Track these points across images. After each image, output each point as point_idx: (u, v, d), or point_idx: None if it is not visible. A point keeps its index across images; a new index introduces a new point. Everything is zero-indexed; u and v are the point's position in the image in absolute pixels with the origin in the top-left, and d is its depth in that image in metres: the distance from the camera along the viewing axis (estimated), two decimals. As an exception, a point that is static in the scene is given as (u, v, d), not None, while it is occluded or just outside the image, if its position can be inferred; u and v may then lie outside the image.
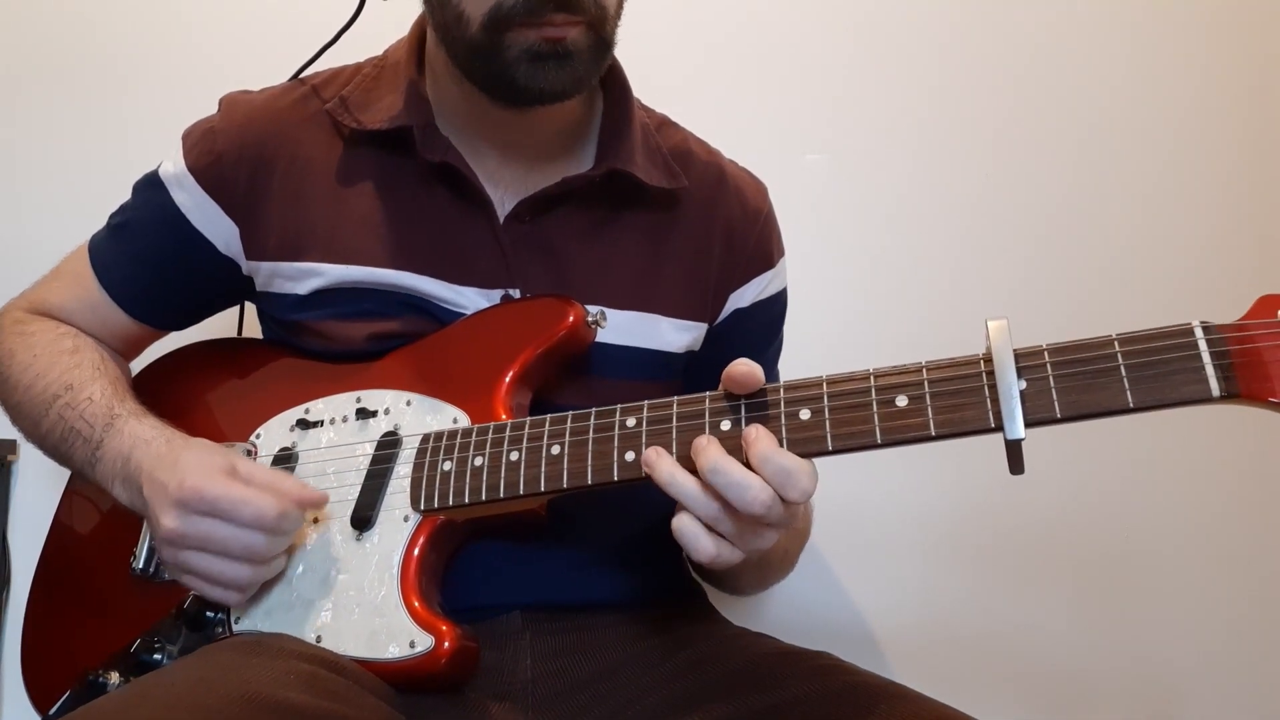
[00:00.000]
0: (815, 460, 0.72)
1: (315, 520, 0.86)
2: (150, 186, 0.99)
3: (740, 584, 1.02)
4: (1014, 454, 0.68)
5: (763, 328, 1.08)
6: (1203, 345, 0.65)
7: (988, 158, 1.46)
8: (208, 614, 0.85)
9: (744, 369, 0.74)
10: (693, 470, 0.72)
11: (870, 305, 1.43)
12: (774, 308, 1.08)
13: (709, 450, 0.71)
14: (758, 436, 0.71)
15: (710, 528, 0.72)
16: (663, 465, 0.73)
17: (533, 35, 0.83)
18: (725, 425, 0.75)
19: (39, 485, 1.30)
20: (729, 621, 0.99)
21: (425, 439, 0.86)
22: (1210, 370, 0.64)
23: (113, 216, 1.02)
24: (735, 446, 0.72)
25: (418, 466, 0.85)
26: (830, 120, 1.45)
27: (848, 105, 1.45)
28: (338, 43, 1.06)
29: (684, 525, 0.72)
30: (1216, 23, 1.50)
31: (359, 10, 1.05)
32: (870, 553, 1.39)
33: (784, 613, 1.36)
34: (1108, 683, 1.39)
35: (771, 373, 1.10)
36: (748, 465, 0.70)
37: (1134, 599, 1.41)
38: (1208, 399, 0.64)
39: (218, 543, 0.78)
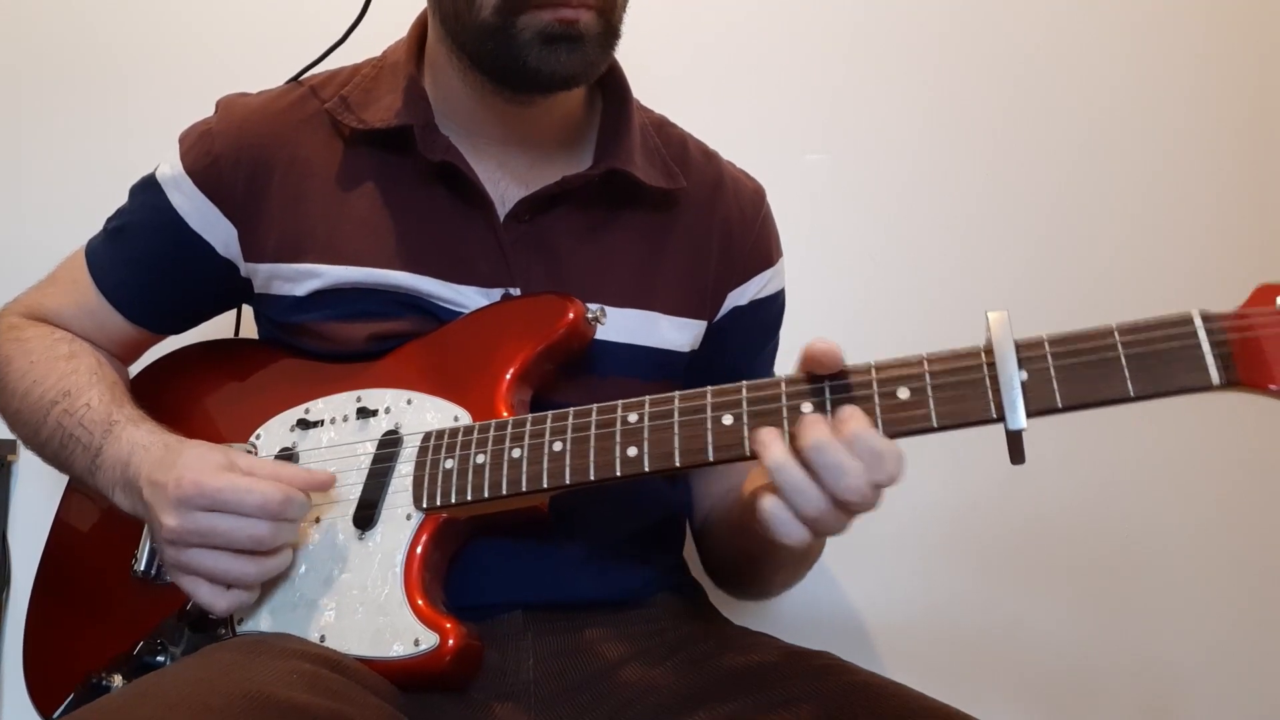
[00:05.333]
0: None
1: (317, 520, 0.86)
2: (147, 189, 0.99)
3: (774, 581, 1.01)
4: (1015, 444, 0.69)
5: (760, 327, 1.08)
6: (1202, 334, 0.65)
7: (987, 155, 1.46)
8: (210, 615, 0.84)
9: (824, 345, 0.72)
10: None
11: (870, 304, 1.43)
12: (772, 307, 1.08)
13: (818, 427, 0.69)
14: (851, 415, 0.70)
15: (798, 513, 0.70)
16: (775, 450, 0.70)
17: (547, 16, 0.84)
18: (727, 420, 0.75)
19: (39, 485, 1.30)
20: (730, 621, 0.99)
21: (426, 437, 0.86)
22: (1210, 359, 0.65)
23: (109, 220, 1.02)
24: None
25: (419, 465, 0.85)
26: (830, 120, 1.45)
27: (848, 105, 1.46)
28: (334, 45, 1.06)
29: (775, 511, 0.70)
30: (1216, 22, 1.50)
31: (364, 11, 1.04)
32: (870, 552, 1.39)
33: (784, 613, 1.36)
34: (1108, 681, 1.39)
35: (768, 373, 1.10)
36: None
37: (1134, 597, 1.41)
38: (1208, 387, 0.65)
39: (221, 536, 0.77)
